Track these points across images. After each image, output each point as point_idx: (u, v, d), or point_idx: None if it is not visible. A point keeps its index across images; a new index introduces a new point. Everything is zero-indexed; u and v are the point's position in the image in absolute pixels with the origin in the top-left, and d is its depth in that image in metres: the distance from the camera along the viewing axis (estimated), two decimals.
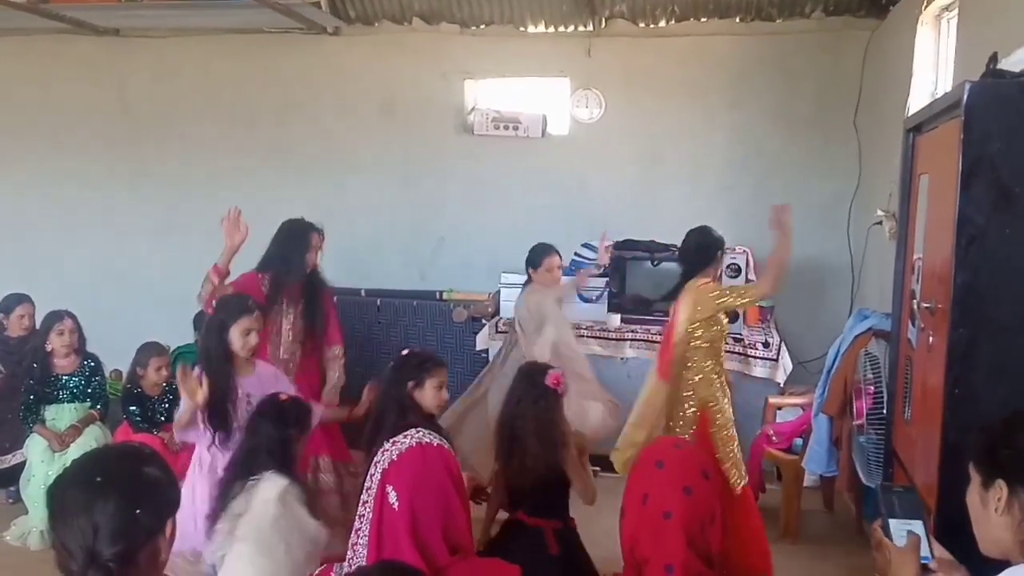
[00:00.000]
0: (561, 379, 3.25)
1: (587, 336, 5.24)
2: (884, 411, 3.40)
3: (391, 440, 2.74)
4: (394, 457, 2.66)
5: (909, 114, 3.82)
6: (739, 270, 5.19)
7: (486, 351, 5.37)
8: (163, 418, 4.50)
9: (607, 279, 5.37)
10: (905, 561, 1.68)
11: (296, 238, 4.14)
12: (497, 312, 5.46)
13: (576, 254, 5.52)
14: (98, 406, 4.65)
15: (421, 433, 2.73)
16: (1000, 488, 1.56)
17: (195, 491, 3.22)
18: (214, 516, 2.89)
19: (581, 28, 5.82)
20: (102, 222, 6.54)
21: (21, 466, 4.52)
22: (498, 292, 5.46)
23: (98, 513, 1.53)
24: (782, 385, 5.02)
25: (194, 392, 3.14)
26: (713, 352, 3.73)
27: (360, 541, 2.68)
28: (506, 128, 5.96)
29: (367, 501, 2.71)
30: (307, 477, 3.52)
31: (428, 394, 2.97)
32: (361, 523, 2.71)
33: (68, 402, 4.58)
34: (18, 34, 6.29)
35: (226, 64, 6.31)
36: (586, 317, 5.33)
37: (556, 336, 4.40)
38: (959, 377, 2.36)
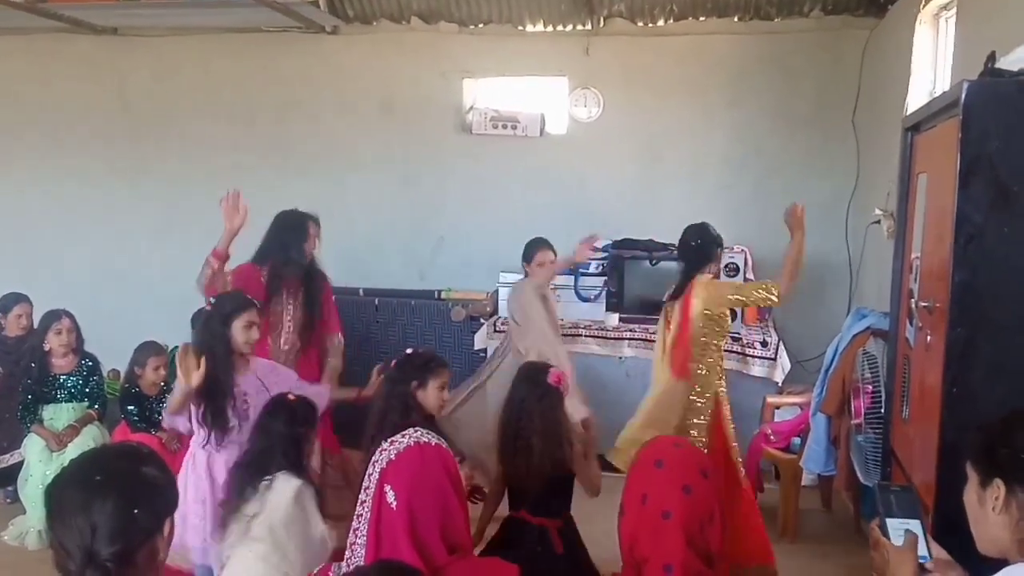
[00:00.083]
0: (563, 377, 3.25)
1: (586, 335, 5.25)
2: (882, 410, 3.40)
3: (389, 440, 2.74)
4: (392, 457, 2.66)
5: (907, 113, 3.82)
6: (738, 269, 5.20)
7: (484, 350, 5.37)
8: (161, 418, 4.49)
9: (605, 278, 5.37)
10: (903, 560, 1.68)
11: (293, 229, 4.15)
12: (496, 311, 5.47)
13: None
14: (96, 406, 4.65)
15: (419, 433, 2.73)
16: (998, 487, 1.56)
17: (186, 489, 3.22)
18: (225, 517, 2.91)
19: (580, 27, 5.82)
20: (102, 220, 6.54)
21: (19, 466, 4.52)
22: (496, 291, 5.46)
23: (96, 513, 1.52)
24: (780, 384, 5.03)
25: (189, 372, 3.07)
26: (718, 348, 3.80)
27: (358, 541, 2.68)
28: (505, 127, 5.96)
29: (365, 501, 2.71)
30: (318, 475, 3.52)
31: (431, 395, 2.97)
32: (359, 523, 2.71)
33: (66, 402, 4.58)
34: (17, 33, 6.28)
35: (225, 63, 6.31)
36: (584, 316, 5.33)
37: (533, 333, 4.40)
38: (957, 376, 2.37)
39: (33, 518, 4.30)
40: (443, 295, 5.78)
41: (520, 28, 5.91)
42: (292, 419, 3.03)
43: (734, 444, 3.82)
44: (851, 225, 5.49)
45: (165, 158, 6.44)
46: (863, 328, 4.10)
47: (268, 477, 2.91)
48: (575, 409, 4.01)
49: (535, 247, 4.58)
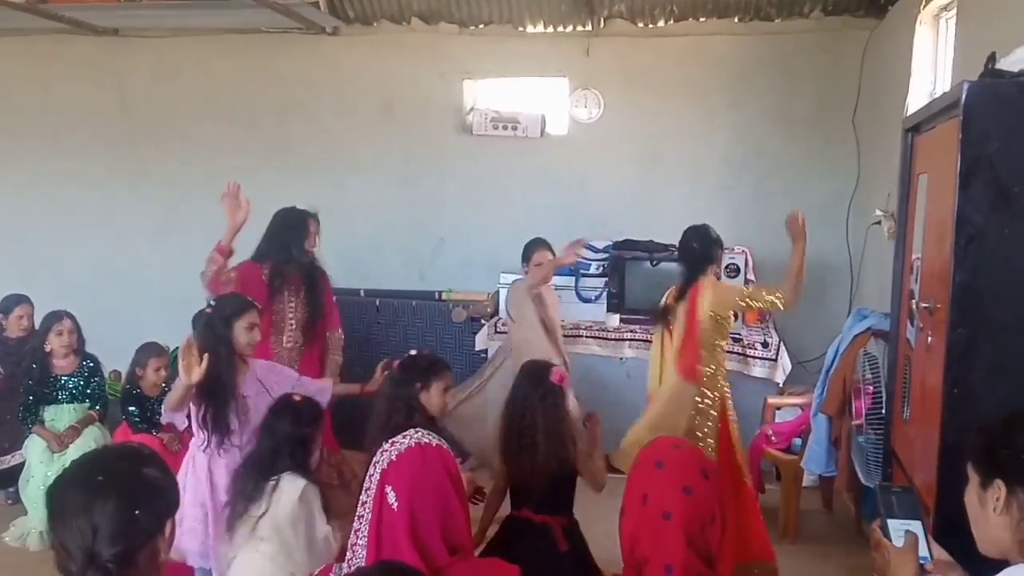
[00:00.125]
0: (565, 376, 3.25)
1: (586, 336, 5.25)
2: (883, 411, 3.40)
3: (390, 441, 2.74)
4: (393, 458, 2.66)
5: (908, 114, 3.82)
6: (738, 270, 5.20)
7: (485, 351, 5.37)
8: (161, 418, 4.50)
9: (606, 279, 5.37)
10: (904, 561, 1.68)
11: (294, 227, 4.16)
12: (496, 312, 5.47)
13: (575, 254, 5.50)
14: (97, 407, 4.65)
15: (420, 433, 2.72)
16: (999, 488, 1.56)
17: (184, 492, 3.21)
18: (231, 518, 2.91)
19: (580, 28, 5.82)
20: (102, 222, 6.54)
21: (20, 467, 4.52)
22: (497, 292, 5.46)
23: (97, 514, 1.52)
24: (781, 385, 5.03)
25: (191, 367, 3.03)
26: (722, 349, 3.83)
27: (359, 542, 2.68)
28: (505, 128, 5.96)
29: (366, 502, 2.70)
30: (323, 475, 3.52)
31: (434, 397, 2.98)
32: (360, 524, 2.71)
33: (67, 403, 4.58)
34: (17, 34, 6.29)
35: (225, 64, 6.31)
36: (585, 317, 5.33)
37: (523, 330, 4.40)
38: (958, 377, 2.37)
39: (34, 519, 4.30)
40: (444, 296, 5.78)
41: (520, 29, 5.91)
42: (298, 419, 3.05)
43: (739, 444, 3.84)
44: (852, 226, 5.49)
45: (165, 159, 6.44)
46: (864, 329, 4.11)
47: (274, 477, 2.92)
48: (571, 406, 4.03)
49: (533, 248, 4.59)
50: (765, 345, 5.01)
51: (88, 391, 4.63)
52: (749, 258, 5.27)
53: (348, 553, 2.74)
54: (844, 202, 5.52)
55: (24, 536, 4.31)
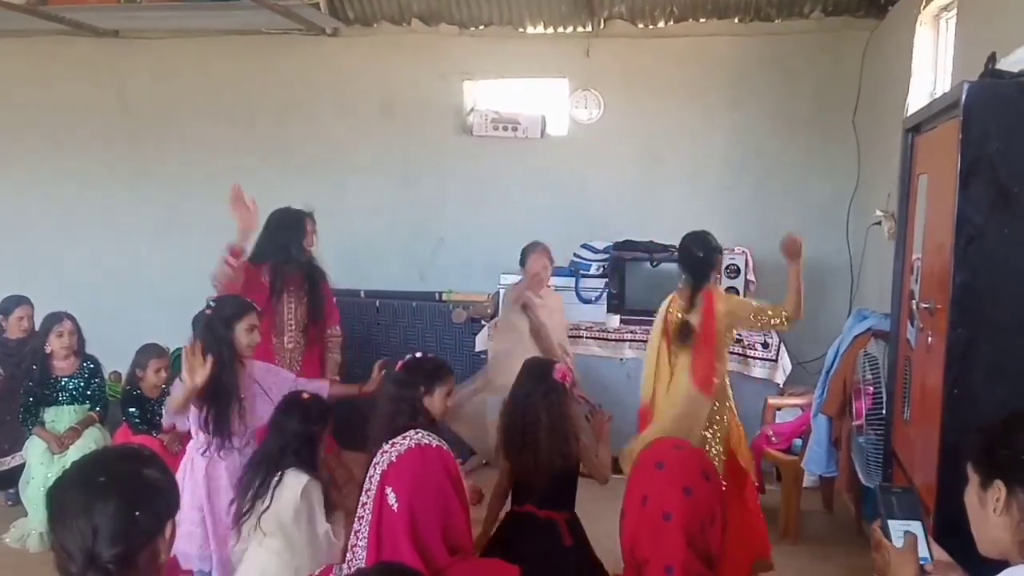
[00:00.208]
0: (568, 373, 3.25)
1: (587, 337, 5.25)
2: (883, 411, 3.40)
3: (390, 441, 2.74)
4: (393, 459, 2.66)
5: (908, 114, 3.82)
6: (738, 271, 5.19)
7: (485, 352, 5.37)
8: (162, 420, 4.50)
9: (606, 280, 5.37)
10: (904, 562, 1.68)
11: (291, 227, 4.16)
12: (496, 313, 5.46)
13: (575, 255, 5.52)
14: (97, 408, 4.65)
15: (420, 435, 2.73)
16: (998, 488, 1.56)
17: (182, 495, 3.20)
18: (237, 515, 2.93)
19: (580, 29, 5.82)
20: (102, 222, 6.54)
21: (20, 468, 4.52)
22: (497, 293, 5.46)
23: (98, 515, 1.52)
24: (781, 386, 5.03)
25: (195, 370, 3.04)
26: (726, 359, 3.84)
27: (359, 543, 2.68)
28: (505, 129, 5.96)
29: (366, 503, 2.71)
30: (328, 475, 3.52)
31: (437, 401, 2.98)
32: (360, 524, 2.71)
33: (67, 404, 4.57)
34: (17, 35, 6.29)
35: (225, 65, 6.31)
36: (585, 318, 5.33)
37: (501, 344, 4.43)
38: (958, 377, 2.37)
39: (35, 520, 4.30)
40: (444, 297, 5.78)
41: (520, 30, 5.91)
42: (306, 417, 3.05)
43: (745, 446, 3.84)
44: (852, 226, 5.49)
45: (165, 160, 6.45)
46: (864, 329, 4.10)
47: (279, 473, 2.93)
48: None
49: (527, 251, 4.60)
50: (765, 346, 5.01)
51: (88, 392, 4.63)
52: (749, 258, 5.27)
53: (348, 554, 2.74)
54: (844, 202, 5.52)
55: (24, 537, 4.31)
